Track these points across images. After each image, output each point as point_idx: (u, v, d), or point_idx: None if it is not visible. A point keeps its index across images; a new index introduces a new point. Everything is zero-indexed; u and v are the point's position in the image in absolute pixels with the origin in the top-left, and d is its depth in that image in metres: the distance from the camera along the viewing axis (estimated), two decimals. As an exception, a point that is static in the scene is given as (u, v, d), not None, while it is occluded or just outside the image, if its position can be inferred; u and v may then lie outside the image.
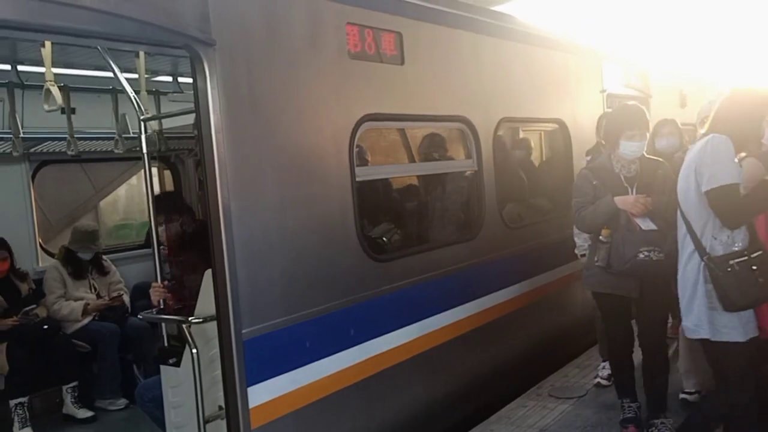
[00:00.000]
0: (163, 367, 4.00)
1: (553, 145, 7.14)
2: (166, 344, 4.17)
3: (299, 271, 3.78)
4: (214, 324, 3.52)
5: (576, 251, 5.32)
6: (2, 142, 5.98)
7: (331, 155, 4.03)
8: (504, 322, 5.42)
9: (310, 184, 3.88)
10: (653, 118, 7.23)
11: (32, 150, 6.37)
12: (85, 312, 6.01)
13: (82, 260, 6.26)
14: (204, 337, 3.68)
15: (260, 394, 3.53)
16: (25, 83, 5.50)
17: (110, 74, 4.21)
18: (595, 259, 4.19)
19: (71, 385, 5.78)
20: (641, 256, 3.98)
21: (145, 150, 4.05)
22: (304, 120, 3.87)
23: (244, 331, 3.46)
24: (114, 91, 5.84)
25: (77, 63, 5.29)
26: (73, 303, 6.01)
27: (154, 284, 4.20)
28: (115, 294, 6.33)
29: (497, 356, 5.40)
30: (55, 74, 4.00)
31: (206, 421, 3.57)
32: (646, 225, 4.06)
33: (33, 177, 6.61)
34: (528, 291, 5.72)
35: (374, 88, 4.37)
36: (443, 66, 4.95)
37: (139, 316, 5.03)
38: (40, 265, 6.51)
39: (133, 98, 4.08)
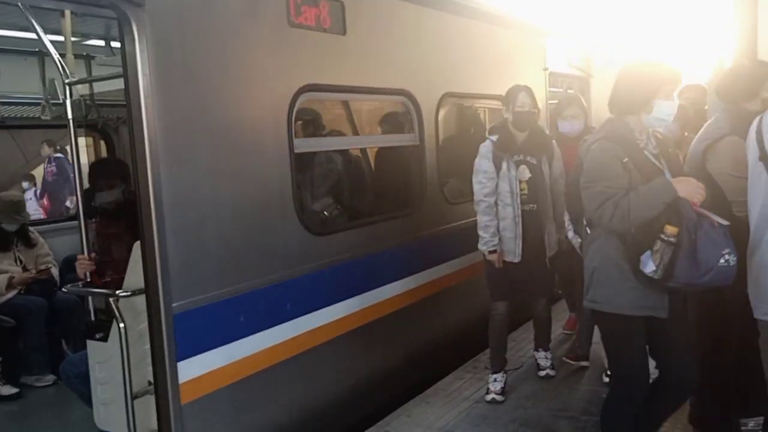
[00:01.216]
0: (89, 342, 3.88)
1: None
2: (93, 318, 4.03)
3: (234, 244, 3.69)
4: (143, 297, 3.41)
5: (481, 247, 4.57)
6: None
7: (269, 125, 3.92)
8: (443, 297, 5.45)
9: (246, 155, 3.77)
10: (593, 99, 7.40)
11: (-48, 114, 6.04)
12: (10, 285, 5.74)
13: (6, 231, 5.96)
14: (133, 311, 3.57)
15: (190, 369, 3.44)
16: (-57, 42, 5.18)
17: (35, 36, 3.99)
18: (654, 267, 2.94)
19: (-5, 361, 5.56)
20: (722, 261, 2.90)
21: (70, 116, 3.86)
22: (240, 88, 3.74)
23: (174, 305, 3.36)
24: (41, 53, 5.55)
25: (0, 22, 5.00)
26: (-4, 276, 5.74)
27: (79, 256, 4.04)
28: (42, 267, 6.08)
29: (436, 331, 5.43)
30: (-24, 34, 3.76)
31: (134, 397, 3.48)
32: (720, 219, 2.98)
33: (-47, 143, 6.27)
34: (468, 266, 5.75)
35: (315, 58, 4.26)
36: (386, 38, 4.87)
37: (63, 289, 4.86)
38: (-39, 236, 6.18)
39: (57, 60, 3.87)
